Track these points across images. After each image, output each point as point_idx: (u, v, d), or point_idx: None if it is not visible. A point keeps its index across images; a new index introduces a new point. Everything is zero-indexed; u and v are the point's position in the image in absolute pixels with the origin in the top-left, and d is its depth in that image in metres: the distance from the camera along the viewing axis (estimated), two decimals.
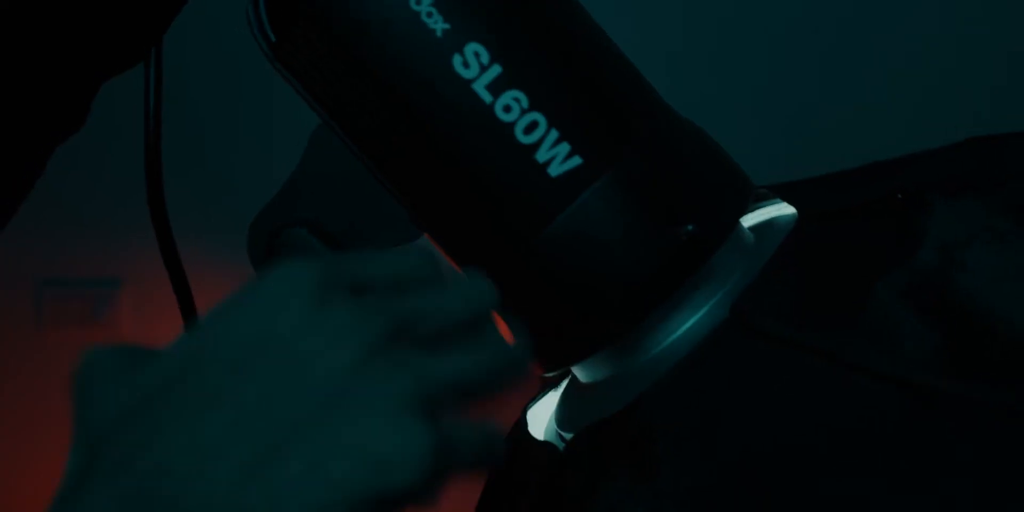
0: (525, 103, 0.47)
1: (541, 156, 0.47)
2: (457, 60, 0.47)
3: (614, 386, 0.51)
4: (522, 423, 0.57)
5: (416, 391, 0.36)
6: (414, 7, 0.46)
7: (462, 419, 0.38)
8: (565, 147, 0.47)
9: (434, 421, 0.37)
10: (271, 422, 0.35)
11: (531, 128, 0.47)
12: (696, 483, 0.43)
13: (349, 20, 0.47)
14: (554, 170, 0.47)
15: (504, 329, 0.47)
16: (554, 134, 0.47)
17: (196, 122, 1.48)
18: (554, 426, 0.55)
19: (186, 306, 0.58)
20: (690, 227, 0.47)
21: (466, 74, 0.47)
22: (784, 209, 0.54)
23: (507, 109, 0.47)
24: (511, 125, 0.47)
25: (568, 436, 0.52)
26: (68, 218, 1.55)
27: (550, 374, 0.52)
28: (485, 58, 0.47)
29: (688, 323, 0.49)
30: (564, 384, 0.57)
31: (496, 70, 0.47)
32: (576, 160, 0.47)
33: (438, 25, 0.47)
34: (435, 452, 0.36)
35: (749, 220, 0.54)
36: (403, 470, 0.35)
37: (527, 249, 0.48)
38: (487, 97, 0.47)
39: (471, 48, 0.47)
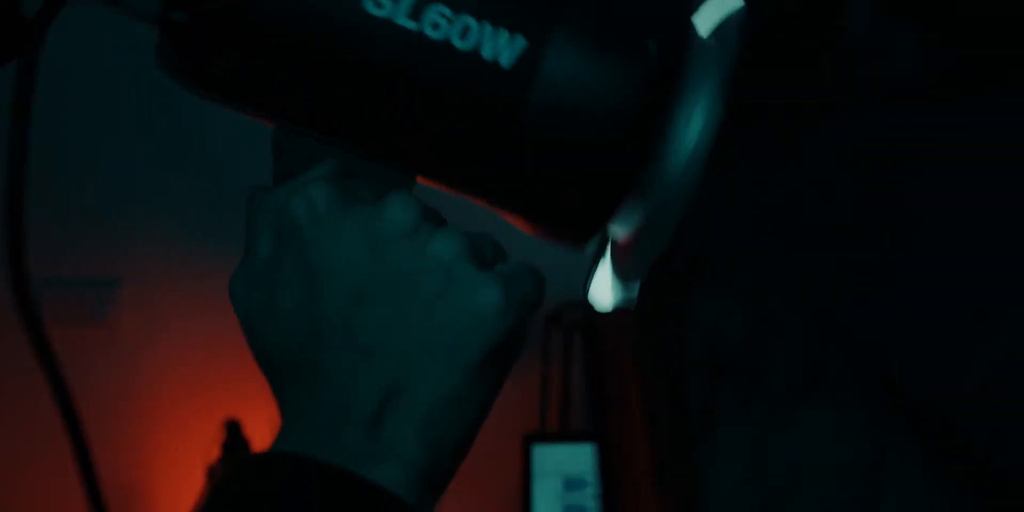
0: (448, 12, 0.48)
1: (487, 53, 0.48)
2: (368, 4, 0.47)
3: (653, 226, 0.52)
4: (590, 306, 0.57)
5: (469, 247, 0.45)
6: None
7: (504, 263, 0.47)
8: (504, 35, 0.48)
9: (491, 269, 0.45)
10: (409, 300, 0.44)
11: (465, 32, 0.48)
12: (756, 282, 0.45)
13: (259, 14, 0.48)
14: (505, 60, 0.48)
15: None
16: (488, 28, 0.48)
17: (198, 122, 1.49)
18: (620, 289, 0.56)
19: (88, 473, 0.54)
20: (651, 43, 0.48)
21: (382, 13, 0.48)
22: (729, 2, 0.54)
23: (436, 26, 0.48)
24: (447, 39, 0.48)
25: (635, 289, 0.53)
26: (68, 218, 1.55)
27: (590, 247, 0.53)
28: None
29: (694, 135, 0.50)
30: (607, 253, 0.58)
31: None
32: (520, 41, 0.48)
33: None
34: (508, 292, 0.44)
35: (703, 25, 0.55)
36: (497, 319, 0.44)
37: (515, 139, 0.48)
38: (412, 25, 0.48)
39: None
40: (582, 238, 0.52)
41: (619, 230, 0.54)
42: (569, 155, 0.49)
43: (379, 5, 0.47)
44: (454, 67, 0.48)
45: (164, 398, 1.58)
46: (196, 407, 1.57)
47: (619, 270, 0.56)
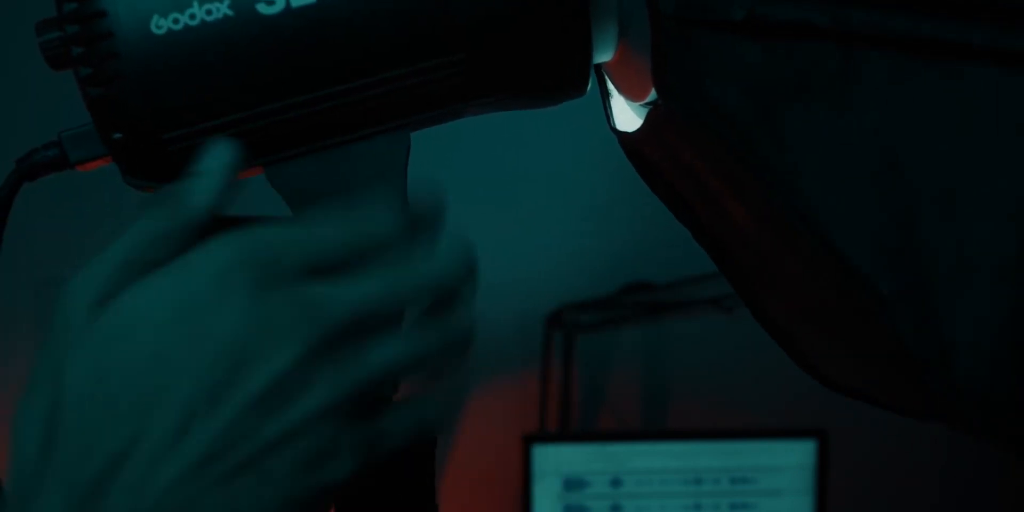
0: None
1: None
2: (261, 6, 0.46)
3: (637, 31, 0.51)
4: (627, 139, 0.56)
5: (352, 391, 0.40)
6: (192, 10, 0.46)
7: (400, 402, 0.42)
8: None
9: (367, 415, 0.41)
10: (208, 426, 0.38)
11: None
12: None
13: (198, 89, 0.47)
14: None
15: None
16: None
17: None
18: (639, 108, 0.55)
19: None
20: None
21: (278, 7, 0.47)
22: None
23: None
24: None
25: (652, 103, 0.52)
26: (68, 218, 1.55)
27: (584, 90, 0.53)
28: None
29: None
30: (610, 88, 0.57)
31: None
32: None
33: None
34: (364, 447, 0.40)
35: None
36: (335, 468, 0.39)
37: (463, 42, 0.48)
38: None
39: None
40: (581, 78, 0.51)
41: (603, 55, 0.53)
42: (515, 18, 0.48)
43: (270, 3, 0.46)
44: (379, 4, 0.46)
45: None
46: None
47: (626, 91, 0.56)
